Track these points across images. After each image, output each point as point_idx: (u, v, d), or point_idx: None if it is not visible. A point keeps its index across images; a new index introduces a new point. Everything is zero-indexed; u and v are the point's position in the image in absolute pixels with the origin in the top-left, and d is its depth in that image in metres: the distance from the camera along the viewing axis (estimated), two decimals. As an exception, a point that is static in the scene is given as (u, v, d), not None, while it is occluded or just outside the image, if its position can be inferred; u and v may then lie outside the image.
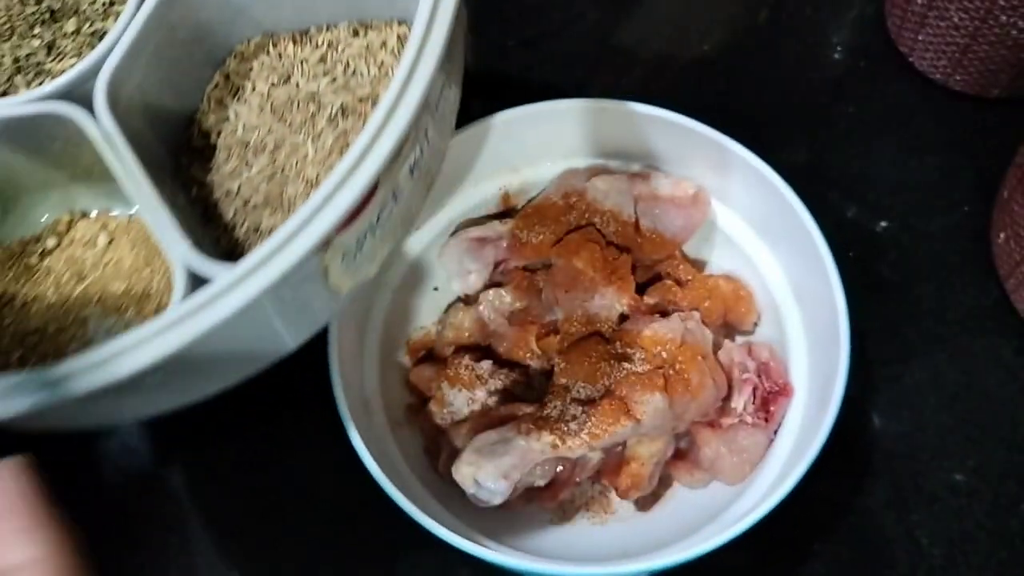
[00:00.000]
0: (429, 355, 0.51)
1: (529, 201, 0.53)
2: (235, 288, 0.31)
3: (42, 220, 0.44)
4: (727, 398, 0.47)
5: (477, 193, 0.53)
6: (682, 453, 0.48)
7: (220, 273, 0.32)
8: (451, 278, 0.49)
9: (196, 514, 0.52)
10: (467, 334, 0.50)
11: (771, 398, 0.47)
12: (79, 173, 0.43)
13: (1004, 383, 0.53)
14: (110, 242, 0.43)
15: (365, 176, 0.31)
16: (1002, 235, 0.53)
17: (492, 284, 0.50)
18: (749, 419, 0.47)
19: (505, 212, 0.53)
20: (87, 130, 0.37)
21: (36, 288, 0.42)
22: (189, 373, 0.34)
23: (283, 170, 0.38)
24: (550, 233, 0.49)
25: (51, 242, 0.43)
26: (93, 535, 0.51)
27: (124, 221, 0.44)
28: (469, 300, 0.52)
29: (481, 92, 0.65)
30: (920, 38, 0.60)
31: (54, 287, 0.42)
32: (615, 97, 0.50)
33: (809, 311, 0.48)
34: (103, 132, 0.37)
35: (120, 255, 0.42)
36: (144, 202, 0.36)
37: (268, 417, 0.54)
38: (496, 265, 0.49)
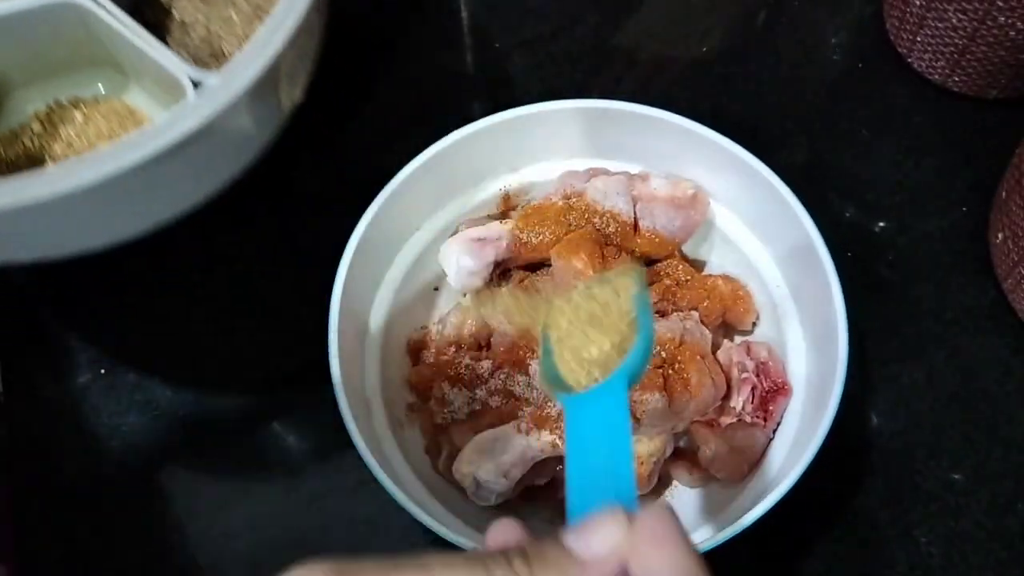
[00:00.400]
0: (429, 354, 0.51)
1: (529, 201, 0.53)
2: (227, 84, 0.42)
3: (28, 111, 0.53)
4: (726, 397, 0.47)
5: (477, 193, 0.53)
6: (681, 452, 0.48)
7: (211, 76, 0.43)
8: (451, 278, 0.50)
9: (197, 513, 0.52)
10: (467, 334, 0.50)
11: (770, 397, 0.47)
12: (57, 66, 0.53)
13: (1002, 382, 0.53)
14: (86, 118, 0.53)
15: (302, 6, 0.44)
16: (1000, 235, 0.53)
17: (492, 284, 0.51)
18: (748, 418, 0.47)
19: (505, 212, 0.54)
20: (96, 12, 0.48)
21: (36, 158, 0.51)
22: (193, 165, 0.44)
23: (218, 34, 0.52)
24: (550, 233, 0.49)
25: (37, 127, 0.52)
26: (94, 535, 0.51)
27: (91, 100, 0.54)
28: (469, 300, 0.52)
29: (481, 93, 0.65)
30: (918, 39, 0.60)
31: (49, 157, 0.51)
32: (614, 98, 0.51)
33: (807, 311, 0.48)
34: (109, 10, 0.48)
35: (97, 125, 0.53)
36: (145, 42, 0.48)
37: (268, 417, 0.54)
38: (496, 265, 0.50)
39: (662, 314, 0.48)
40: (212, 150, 0.44)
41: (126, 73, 0.55)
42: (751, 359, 0.48)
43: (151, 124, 0.43)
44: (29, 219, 0.41)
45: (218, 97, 0.42)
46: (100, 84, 0.55)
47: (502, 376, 0.47)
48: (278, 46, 0.43)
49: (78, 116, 0.53)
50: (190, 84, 0.46)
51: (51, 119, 0.53)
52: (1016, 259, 0.52)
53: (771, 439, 0.47)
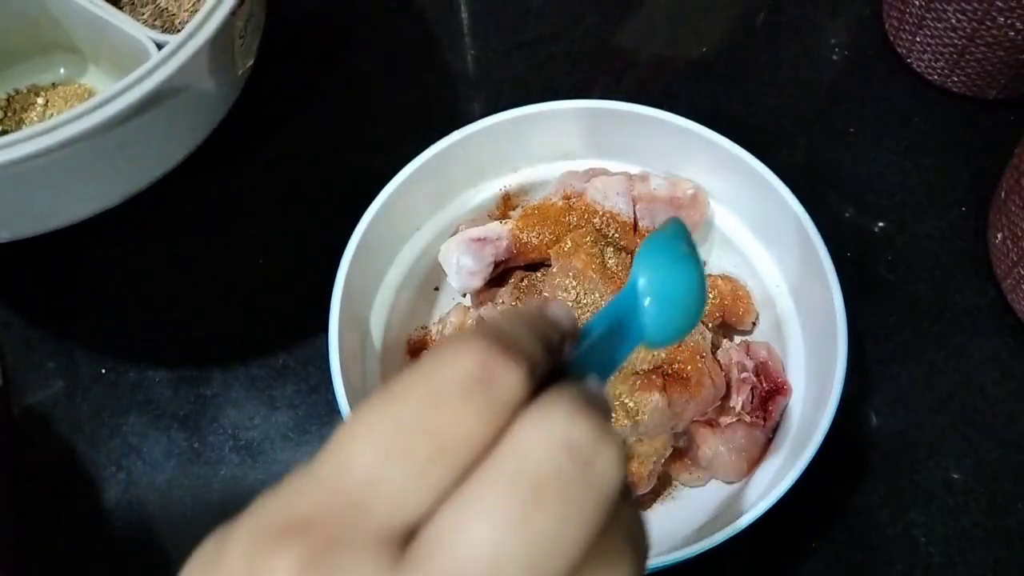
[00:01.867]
0: (429, 355, 0.52)
1: (529, 201, 0.53)
2: (187, 42, 0.45)
3: None
4: (725, 397, 0.47)
5: (477, 193, 0.53)
6: (681, 452, 0.48)
7: (173, 38, 0.45)
8: (451, 278, 0.50)
9: (198, 512, 0.52)
10: (467, 334, 0.50)
11: (769, 397, 0.47)
12: (13, 55, 0.56)
13: (1001, 382, 0.53)
14: (47, 103, 0.55)
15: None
16: (999, 235, 0.54)
17: (492, 284, 0.51)
18: (747, 418, 0.47)
19: (505, 212, 0.54)
20: None
21: None
22: (163, 122, 0.47)
23: (168, 9, 0.54)
24: (550, 233, 0.49)
25: None
26: (93, 535, 0.51)
27: (50, 86, 0.57)
28: (469, 300, 0.52)
29: (481, 93, 0.65)
30: (918, 39, 0.60)
31: None
32: (614, 98, 0.51)
33: (807, 311, 0.49)
34: None
35: (59, 109, 0.55)
36: (105, 12, 0.50)
37: (269, 415, 0.54)
38: (496, 265, 0.50)
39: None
40: (175, 111, 0.46)
41: (84, 55, 0.56)
42: (751, 359, 0.48)
43: (123, 81, 0.44)
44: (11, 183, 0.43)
45: (180, 53, 0.44)
46: (61, 69, 0.57)
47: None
48: (229, 6, 0.46)
49: (39, 101, 0.55)
50: (153, 45, 0.47)
51: (12, 106, 0.55)
52: (1015, 259, 0.52)
53: (771, 439, 0.47)
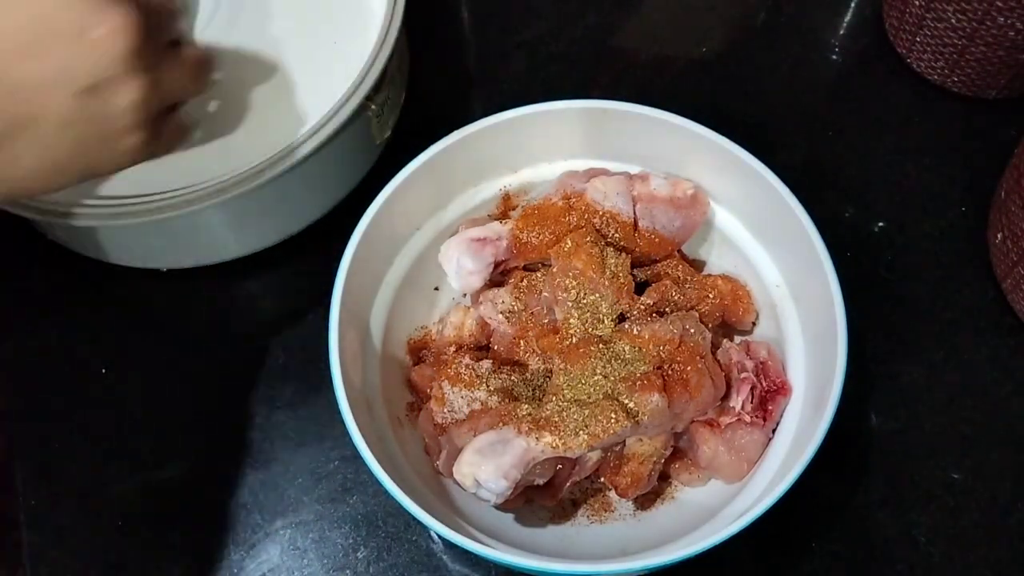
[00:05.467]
0: (429, 354, 0.52)
1: (529, 201, 0.53)
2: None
3: None
4: (725, 397, 0.47)
5: (477, 193, 0.53)
6: (681, 452, 0.48)
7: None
8: (451, 278, 0.50)
9: (198, 512, 0.52)
10: (467, 334, 0.50)
11: (769, 397, 0.47)
12: None
13: (1001, 382, 0.53)
14: None
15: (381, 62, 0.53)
16: (999, 235, 0.54)
17: (492, 284, 0.51)
18: (747, 418, 0.47)
19: (505, 212, 0.54)
20: None
21: None
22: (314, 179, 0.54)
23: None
24: (550, 233, 0.49)
25: None
26: (94, 534, 0.51)
27: None
28: (469, 300, 0.52)
29: (481, 93, 0.65)
30: (918, 39, 0.60)
31: None
32: (614, 98, 0.51)
33: (807, 311, 0.49)
34: None
35: None
36: None
37: (269, 415, 0.54)
38: (496, 265, 0.50)
39: (661, 314, 0.48)
40: (319, 174, 0.54)
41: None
42: (750, 359, 0.48)
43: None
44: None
45: (321, 131, 0.51)
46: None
47: (502, 376, 0.47)
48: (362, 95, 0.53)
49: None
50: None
51: None
52: (1015, 259, 0.52)
53: (771, 439, 0.47)
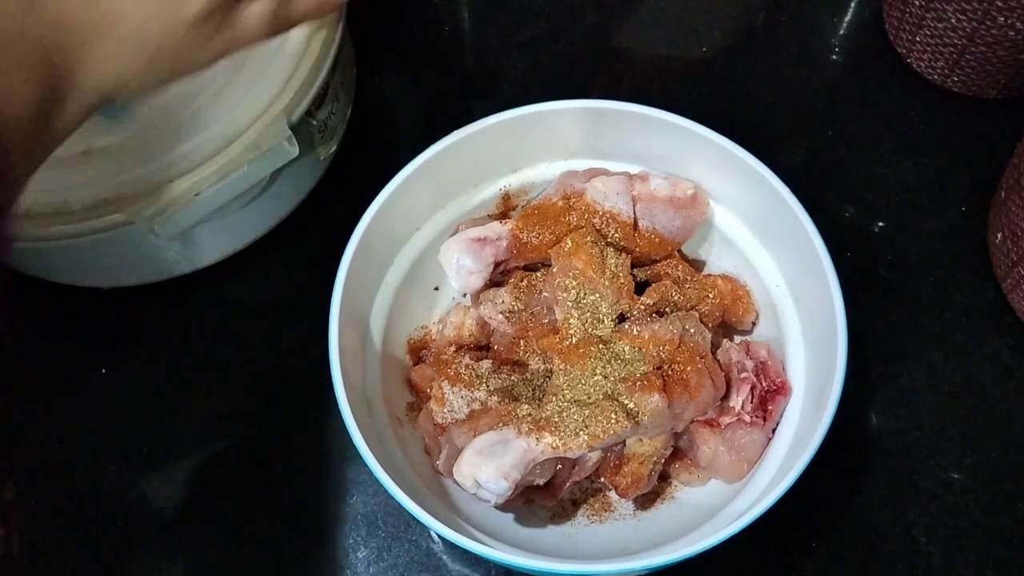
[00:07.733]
0: (429, 354, 0.52)
1: (529, 201, 0.53)
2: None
3: None
4: (725, 397, 0.47)
5: (477, 193, 0.53)
6: (681, 452, 0.48)
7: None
8: (451, 278, 0.50)
9: (199, 511, 0.52)
10: (467, 334, 0.50)
11: (769, 397, 0.47)
12: None
13: (1000, 382, 0.53)
14: None
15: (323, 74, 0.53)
16: (999, 235, 0.54)
17: (492, 284, 0.51)
18: (747, 418, 0.47)
19: (505, 212, 0.54)
20: None
21: None
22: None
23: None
24: (550, 233, 0.49)
25: None
26: (95, 534, 0.52)
27: None
28: (469, 300, 0.52)
29: (481, 93, 0.65)
30: (918, 39, 0.60)
31: None
32: (615, 98, 0.51)
33: (807, 311, 0.49)
34: None
35: None
36: None
37: (270, 415, 0.54)
38: (496, 265, 0.50)
39: (661, 314, 0.48)
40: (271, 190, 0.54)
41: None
42: (750, 359, 0.48)
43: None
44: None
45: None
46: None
47: (502, 376, 0.47)
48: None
49: None
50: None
51: None
52: (1015, 259, 0.52)
53: (770, 439, 0.47)
